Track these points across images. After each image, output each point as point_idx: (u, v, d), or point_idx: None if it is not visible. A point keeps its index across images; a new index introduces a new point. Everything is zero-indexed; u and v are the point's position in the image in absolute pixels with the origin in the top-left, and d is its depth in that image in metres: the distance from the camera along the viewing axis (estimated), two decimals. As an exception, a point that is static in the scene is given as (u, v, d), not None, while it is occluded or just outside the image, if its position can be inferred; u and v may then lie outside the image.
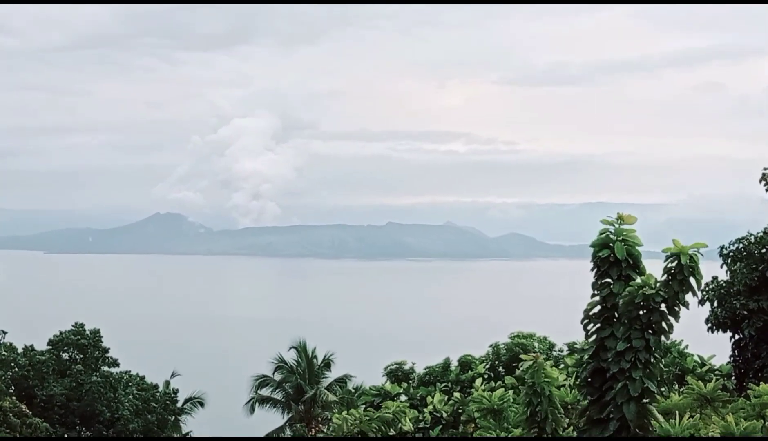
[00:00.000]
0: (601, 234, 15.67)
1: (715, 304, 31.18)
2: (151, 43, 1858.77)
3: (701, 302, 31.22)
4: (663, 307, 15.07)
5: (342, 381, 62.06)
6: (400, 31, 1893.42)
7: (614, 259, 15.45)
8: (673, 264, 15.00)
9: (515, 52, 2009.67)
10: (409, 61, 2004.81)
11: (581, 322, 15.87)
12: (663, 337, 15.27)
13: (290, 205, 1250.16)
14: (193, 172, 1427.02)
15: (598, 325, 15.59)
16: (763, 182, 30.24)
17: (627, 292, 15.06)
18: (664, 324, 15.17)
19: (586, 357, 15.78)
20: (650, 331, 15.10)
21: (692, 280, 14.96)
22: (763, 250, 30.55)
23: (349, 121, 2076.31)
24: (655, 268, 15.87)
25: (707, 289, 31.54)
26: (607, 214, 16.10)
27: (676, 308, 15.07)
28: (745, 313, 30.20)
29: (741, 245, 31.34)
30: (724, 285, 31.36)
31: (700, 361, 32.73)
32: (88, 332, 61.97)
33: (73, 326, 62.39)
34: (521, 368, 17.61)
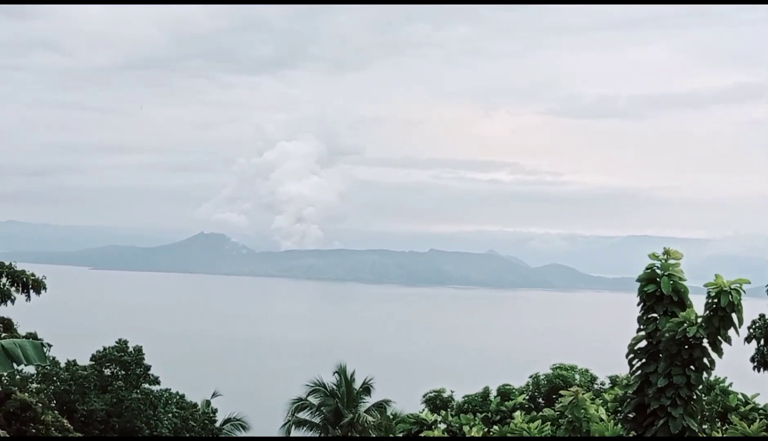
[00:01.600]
0: (647, 269, 15.62)
1: (762, 342, 30.77)
2: (200, 65, 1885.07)
3: (747, 340, 30.81)
4: (705, 343, 14.97)
5: (381, 406, 61.79)
6: (447, 60, 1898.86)
7: (660, 294, 15.39)
8: (715, 300, 14.92)
9: (562, 83, 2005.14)
10: (455, 89, 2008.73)
11: (626, 357, 15.79)
12: (705, 374, 15.16)
13: (333, 229, 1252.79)
14: (237, 193, 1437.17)
15: (643, 361, 15.51)
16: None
17: (668, 327, 15.00)
18: (705, 360, 15.07)
19: (629, 392, 15.70)
20: (692, 368, 15.00)
21: (734, 315, 14.87)
22: (810, 289, 30.13)
23: (393, 147, 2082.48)
24: (698, 303, 15.76)
25: (754, 326, 31.15)
26: (651, 247, 16.09)
27: (719, 344, 14.97)
28: (792, 352, 29.78)
29: (788, 283, 30.95)
30: (770, 323, 30.96)
31: (743, 400, 32.25)
32: (131, 349, 62.53)
33: (116, 342, 63.00)
34: (561, 403, 17.52)
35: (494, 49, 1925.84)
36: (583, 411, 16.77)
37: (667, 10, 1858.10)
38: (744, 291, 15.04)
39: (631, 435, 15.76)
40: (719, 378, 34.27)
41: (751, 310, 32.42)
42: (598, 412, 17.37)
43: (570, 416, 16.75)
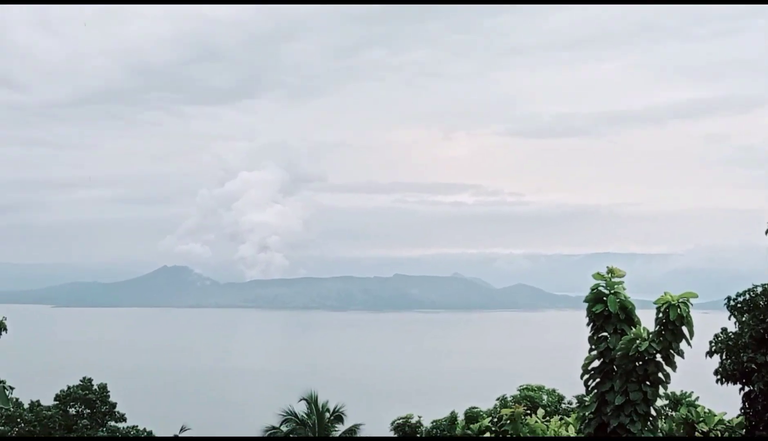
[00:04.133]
0: (593, 289, 15.86)
1: (724, 355, 31.07)
2: (159, 97, 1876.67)
3: (710, 354, 31.12)
4: (658, 357, 15.20)
5: (352, 432, 61.56)
6: (405, 82, 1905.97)
7: (608, 312, 15.61)
8: (665, 314, 15.17)
9: (520, 103, 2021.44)
10: (415, 112, 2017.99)
11: (581, 378, 15.99)
12: (661, 389, 15.38)
13: (297, 257, 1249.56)
14: (200, 225, 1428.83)
15: (598, 380, 15.69)
16: (769, 232, 30.27)
17: (621, 345, 15.20)
18: (660, 375, 15.28)
19: (587, 413, 15.84)
20: (647, 383, 15.20)
21: (684, 329, 15.11)
22: (770, 301, 30.52)
23: (355, 173, 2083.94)
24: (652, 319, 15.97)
25: (716, 340, 31.48)
26: (614, 264, 16.28)
27: (672, 358, 15.20)
28: (753, 367, 30.11)
29: (747, 296, 31.33)
30: (732, 336, 31.29)
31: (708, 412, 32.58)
32: (95, 387, 61.80)
33: (81, 381, 62.23)
34: (501, 421, 17.71)
35: (451, 72, 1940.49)
36: (523, 426, 16.95)
37: (618, 28, 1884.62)
38: (692, 304, 15.30)
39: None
40: (686, 392, 34.65)
41: (713, 323, 32.86)
42: (540, 428, 17.54)
43: (511, 433, 16.93)
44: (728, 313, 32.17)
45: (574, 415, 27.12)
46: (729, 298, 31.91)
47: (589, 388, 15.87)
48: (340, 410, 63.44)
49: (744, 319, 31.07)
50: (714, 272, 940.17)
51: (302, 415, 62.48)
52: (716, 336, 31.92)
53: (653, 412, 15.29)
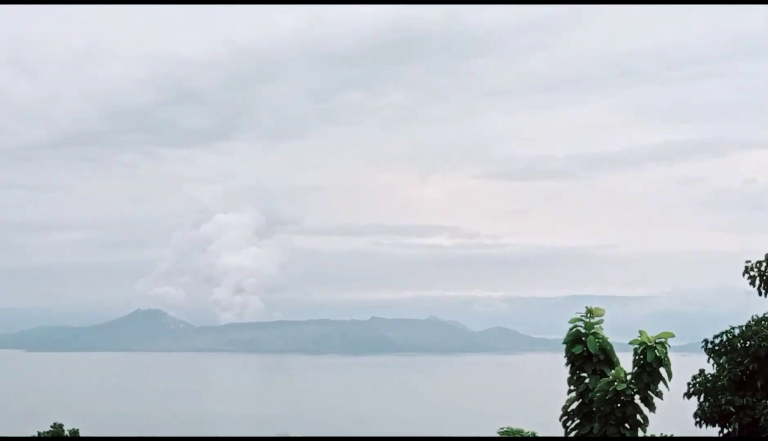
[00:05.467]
0: (571, 329, 15.72)
1: (702, 397, 31.04)
2: (134, 139, 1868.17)
3: (687, 395, 31.06)
4: (637, 399, 15.06)
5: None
6: (381, 125, 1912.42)
7: (587, 353, 15.47)
8: (642, 356, 15.05)
9: (497, 145, 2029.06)
10: (391, 155, 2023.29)
11: (560, 419, 15.80)
12: (640, 431, 15.22)
13: (273, 300, 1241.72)
14: (174, 268, 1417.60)
15: (578, 422, 15.52)
16: (746, 275, 30.45)
17: (600, 387, 15.05)
18: (639, 417, 15.13)
19: (567, 457, 15.66)
20: (626, 426, 15.05)
21: (662, 370, 14.99)
22: (747, 344, 30.58)
23: (332, 215, 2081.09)
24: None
25: (695, 382, 31.46)
26: (584, 307, 16.14)
27: (650, 400, 15.06)
28: (732, 409, 30.06)
29: (725, 338, 31.38)
30: (710, 378, 31.28)
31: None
32: (67, 432, 60.84)
33: (51, 427, 61.27)
34: None
35: (428, 114, 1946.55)
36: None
37: (595, 71, 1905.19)
38: (669, 345, 15.21)
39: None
40: (665, 434, 34.47)
41: (691, 365, 32.79)
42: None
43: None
44: (705, 356, 32.20)
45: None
46: (706, 341, 31.94)
47: (569, 430, 15.67)
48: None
49: (722, 361, 31.10)
50: (691, 314, 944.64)
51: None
52: (694, 377, 31.91)
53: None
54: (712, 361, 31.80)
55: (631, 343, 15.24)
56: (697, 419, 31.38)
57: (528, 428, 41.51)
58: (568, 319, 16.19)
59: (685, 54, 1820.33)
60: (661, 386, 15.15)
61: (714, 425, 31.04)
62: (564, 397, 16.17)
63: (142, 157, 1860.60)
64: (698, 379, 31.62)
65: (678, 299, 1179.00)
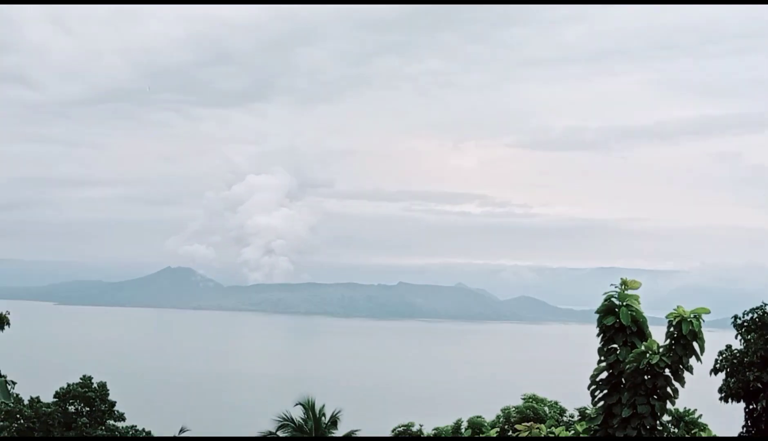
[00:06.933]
0: (605, 300, 15.71)
1: (728, 373, 30.87)
2: (169, 98, 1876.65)
3: (714, 371, 30.89)
4: (667, 372, 15.06)
5: (348, 438, 61.36)
6: (417, 92, 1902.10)
7: (620, 325, 15.47)
8: (676, 328, 15.04)
9: (531, 115, 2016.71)
10: (426, 122, 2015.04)
11: (588, 389, 15.83)
12: (669, 404, 15.22)
13: (302, 262, 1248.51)
14: (205, 227, 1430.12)
15: (606, 392, 15.55)
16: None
17: (631, 358, 15.05)
18: (669, 389, 15.13)
19: (594, 425, 15.70)
20: (655, 397, 15.05)
21: (695, 344, 14.98)
22: (777, 321, 30.30)
23: (363, 180, 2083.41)
24: (661, 334, 15.83)
25: (721, 358, 31.28)
26: (619, 279, 16.13)
27: (681, 373, 15.06)
28: (759, 386, 29.86)
29: (755, 315, 31.12)
30: (737, 355, 31.08)
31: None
32: (95, 385, 61.69)
33: (81, 379, 62.13)
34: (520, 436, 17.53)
35: (464, 82, 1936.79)
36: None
37: (634, 43, 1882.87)
38: (704, 320, 15.16)
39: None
40: (689, 409, 34.39)
41: (719, 341, 32.60)
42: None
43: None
44: (733, 333, 31.95)
45: (579, 426, 26.95)
46: (736, 317, 31.70)
47: (596, 400, 15.69)
48: (337, 415, 63.28)
49: (750, 337, 30.85)
50: (720, 290, 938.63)
51: (299, 421, 62.30)
52: (721, 352, 31.73)
53: (659, 427, 15.10)
54: (740, 337, 31.58)
55: (666, 316, 15.26)
56: (722, 395, 31.23)
57: (551, 397, 41.61)
58: (597, 291, 16.19)
59: (724, 29, 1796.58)
60: (692, 361, 15.15)
61: (739, 401, 30.89)
62: (589, 368, 16.19)
63: (177, 116, 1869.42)
64: (725, 355, 31.45)
65: (707, 274, 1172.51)
